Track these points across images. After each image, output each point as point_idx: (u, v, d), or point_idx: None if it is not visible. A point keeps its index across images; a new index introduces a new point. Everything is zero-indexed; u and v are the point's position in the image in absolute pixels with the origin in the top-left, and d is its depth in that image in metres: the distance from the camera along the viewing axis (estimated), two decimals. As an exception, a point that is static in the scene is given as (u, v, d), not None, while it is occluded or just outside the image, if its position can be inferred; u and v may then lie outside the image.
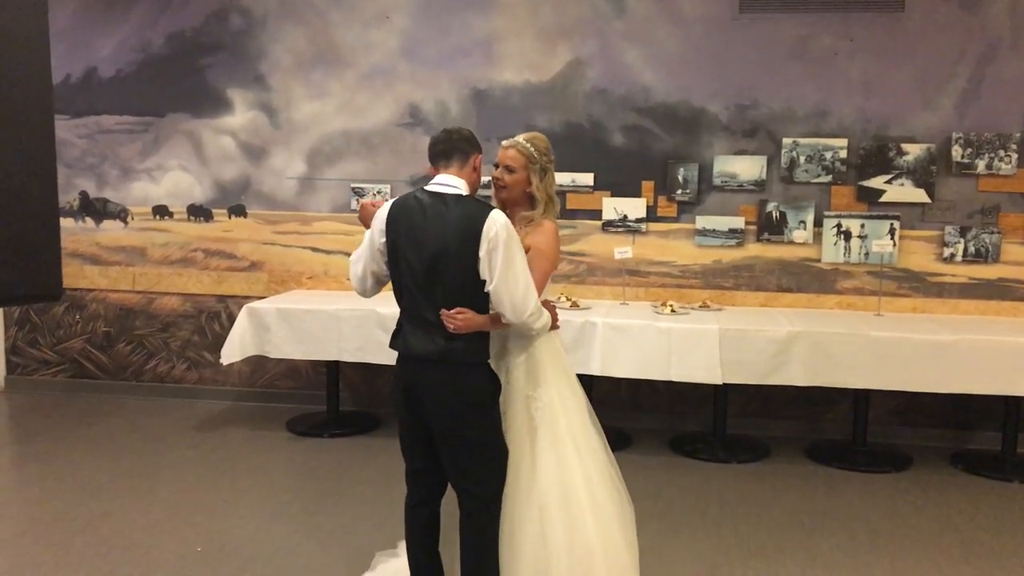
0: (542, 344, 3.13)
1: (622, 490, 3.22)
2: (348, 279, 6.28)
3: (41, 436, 5.67)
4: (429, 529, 3.19)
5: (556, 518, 3.02)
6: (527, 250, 3.05)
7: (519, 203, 3.24)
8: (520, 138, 3.23)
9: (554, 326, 3.15)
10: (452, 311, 2.90)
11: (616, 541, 3.10)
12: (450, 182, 3.00)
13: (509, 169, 3.20)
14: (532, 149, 3.18)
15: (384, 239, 3.04)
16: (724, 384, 5.10)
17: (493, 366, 3.09)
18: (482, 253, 2.86)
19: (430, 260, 2.93)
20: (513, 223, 3.11)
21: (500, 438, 3.05)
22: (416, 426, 3.07)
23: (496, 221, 2.88)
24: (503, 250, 2.85)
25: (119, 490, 4.70)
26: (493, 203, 3.16)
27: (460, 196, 2.97)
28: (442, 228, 2.91)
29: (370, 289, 3.23)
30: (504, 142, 3.25)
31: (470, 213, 2.91)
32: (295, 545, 4.03)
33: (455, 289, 2.92)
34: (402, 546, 3.69)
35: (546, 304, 3.12)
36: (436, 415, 2.99)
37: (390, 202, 3.09)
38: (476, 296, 2.92)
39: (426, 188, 3.02)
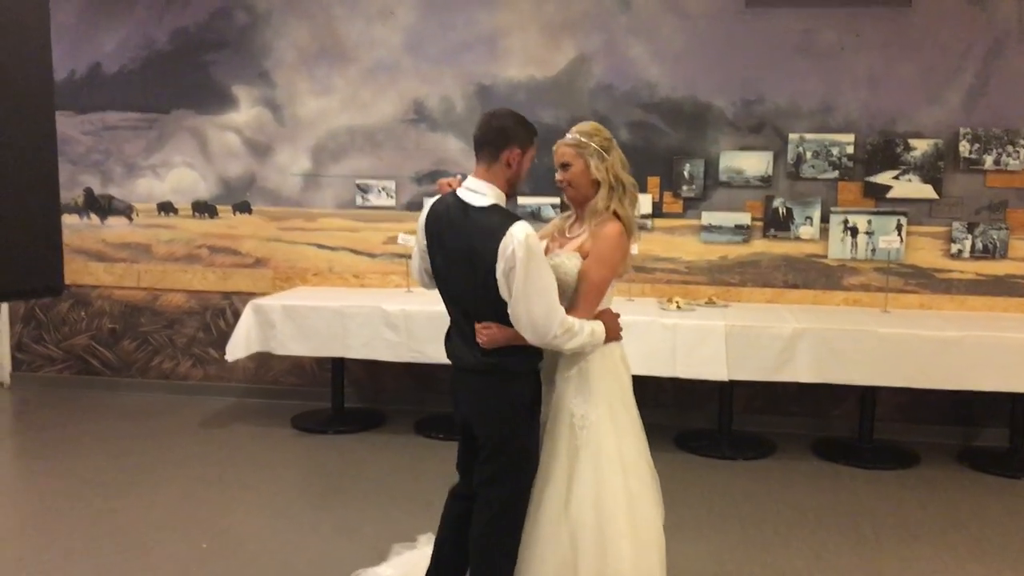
0: (596, 358, 2.94)
1: (661, 503, 3.08)
2: (355, 276, 6.33)
3: (46, 432, 5.68)
4: (461, 523, 3.09)
5: (590, 543, 2.88)
6: (584, 256, 2.93)
7: (591, 197, 3.01)
8: (568, 133, 3.06)
9: (612, 338, 2.97)
10: (480, 325, 2.82)
11: (652, 568, 2.96)
12: (475, 187, 2.83)
13: (564, 166, 3.01)
14: (578, 135, 3.00)
15: (425, 241, 2.99)
16: (730, 381, 5.09)
17: (542, 376, 2.99)
18: (499, 273, 2.70)
19: (452, 272, 2.87)
20: (583, 219, 3.02)
21: (527, 448, 2.93)
22: (461, 425, 3.05)
23: (514, 237, 2.65)
24: (520, 270, 2.65)
25: (124, 486, 4.70)
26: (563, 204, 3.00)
27: (480, 207, 2.78)
28: (460, 242, 2.80)
29: (429, 283, 3.10)
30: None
31: (487, 229, 2.72)
32: (300, 541, 4.02)
33: (478, 303, 2.82)
34: (421, 539, 3.69)
35: (604, 314, 2.96)
36: (470, 418, 2.97)
37: (431, 201, 3.00)
38: (501, 310, 2.76)
39: (457, 191, 2.88)
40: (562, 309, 2.76)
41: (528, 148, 2.87)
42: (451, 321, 3.00)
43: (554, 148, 3.07)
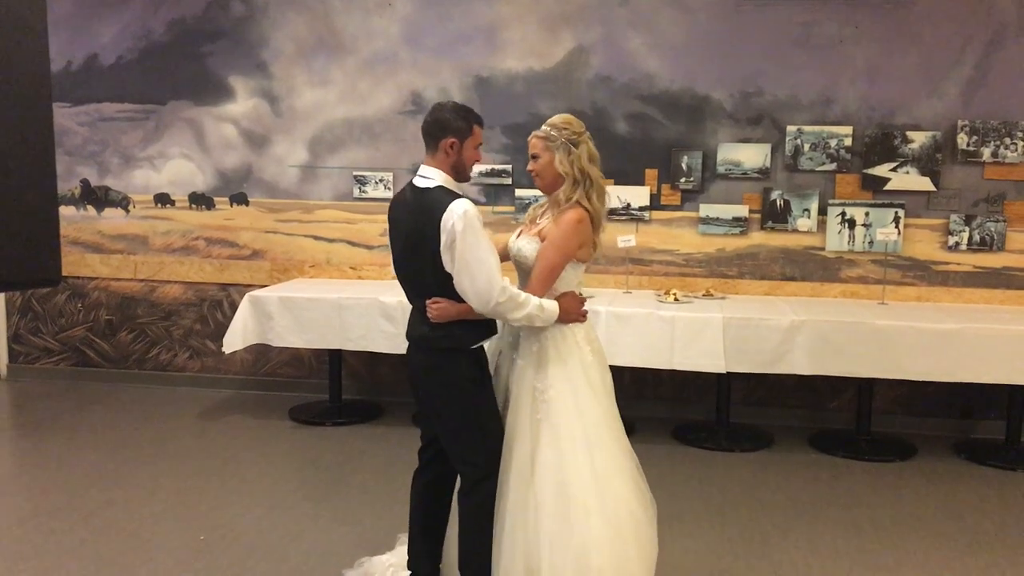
0: (555, 337, 3.05)
1: (644, 489, 3.13)
2: (352, 267, 6.32)
3: (43, 424, 5.67)
4: (424, 498, 3.26)
5: (553, 518, 2.94)
6: (543, 240, 3.05)
7: (558, 187, 3.12)
8: (544, 124, 3.15)
9: (569, 319, 3.06)
10: (431, 300, 2.96)
11: (625, 545, 2.99)
12: (424, 172, 3.01)
13: (534, 157, 3.14)
14: (549, 128, 3.10)
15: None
16: (727, 373, 5.09)
17: (504, 354, 3.15)
18: (442, 248, 2.86)
19: (403, 252, 3.03)
20: (551, 209, 3.11)
21: (486, 421, 3.04)
22: (417, 402, 3.21)
23: (454, 212, 2.83)
24: (459, 241, 2.82)
25: (121, 478, 4.70)
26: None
27: (426, 188, 2.96)
28: (410, 223, 2.97)
29: None
30: None
31: (431, 206, 2.90)
32: (298, 533, 4.02)
33: (427, 280, 2.96)
34: None
35: (564, 296, 3.05)
36: (422, 395, 3.12)
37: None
38: (449, 286, 2.91)
39: (413, 179, 3.06)
40: (504, 279, 2.87)
41: (467, 137, 3.01)
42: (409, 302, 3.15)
43: (528, 139, 3.18)
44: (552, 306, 2.99)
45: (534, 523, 2.96)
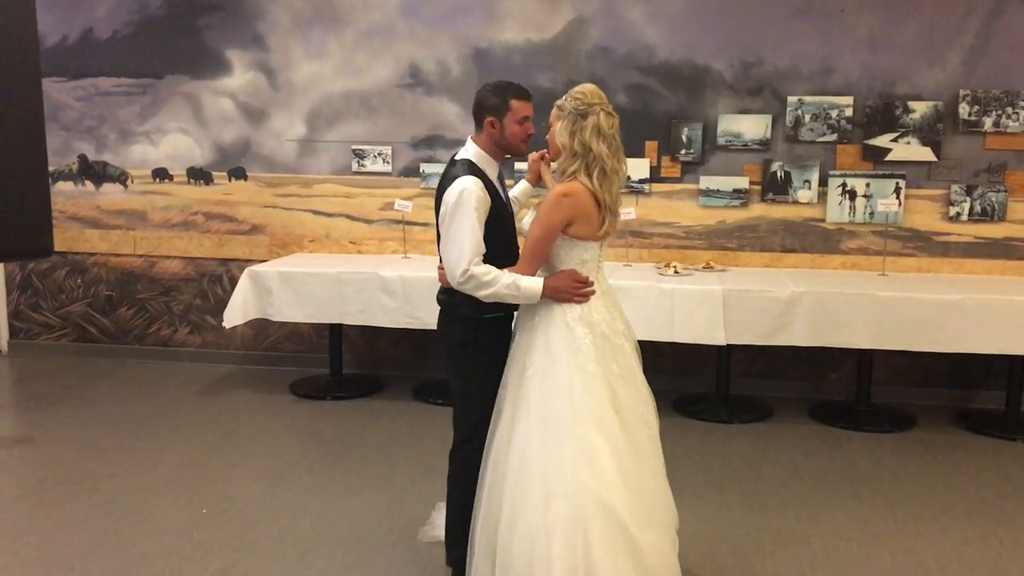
0: (544, 314, 2.96)
1: (645, 491, 2.93)
2: (351, 242, 6.30)
3: (45, 400, 5.68)
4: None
5: (511, 497, 2.85)
6: None
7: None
8: None
9: (558, 297, 2.93)
10: (439, 264, 3.09)
11: (588, 538, 2.76)
12: (466, 145, 3.12)
13: (551, 127, 3.04)
14: (566, 97, 2.98)
15: None
16: (728, 345, 5.09)
17: (513, 326, 3.17)
18: (440, 220, 3.01)
19: (437, 220, 3.10)
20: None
21: (474, 389, 3.12)
22: None
23: (454, 188, 2.93)
24: (448, 216, 2.93)
25: (123, 453, 4.71)
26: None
27: (455, 160, 3.08)
28: (437, 192, 3.10)
29: None
30: None
31: (448, 178, 3.01)
32: (299, 506, 4.04)
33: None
34: None
35: (559, 274, 2.95)
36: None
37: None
38: None
39: None
40: (474, 260, 2.88)
41: (505, 113, 3.03)
42: None
43: None
44: (531, 284, 2.91)
45: (497, 504, 2.91)
